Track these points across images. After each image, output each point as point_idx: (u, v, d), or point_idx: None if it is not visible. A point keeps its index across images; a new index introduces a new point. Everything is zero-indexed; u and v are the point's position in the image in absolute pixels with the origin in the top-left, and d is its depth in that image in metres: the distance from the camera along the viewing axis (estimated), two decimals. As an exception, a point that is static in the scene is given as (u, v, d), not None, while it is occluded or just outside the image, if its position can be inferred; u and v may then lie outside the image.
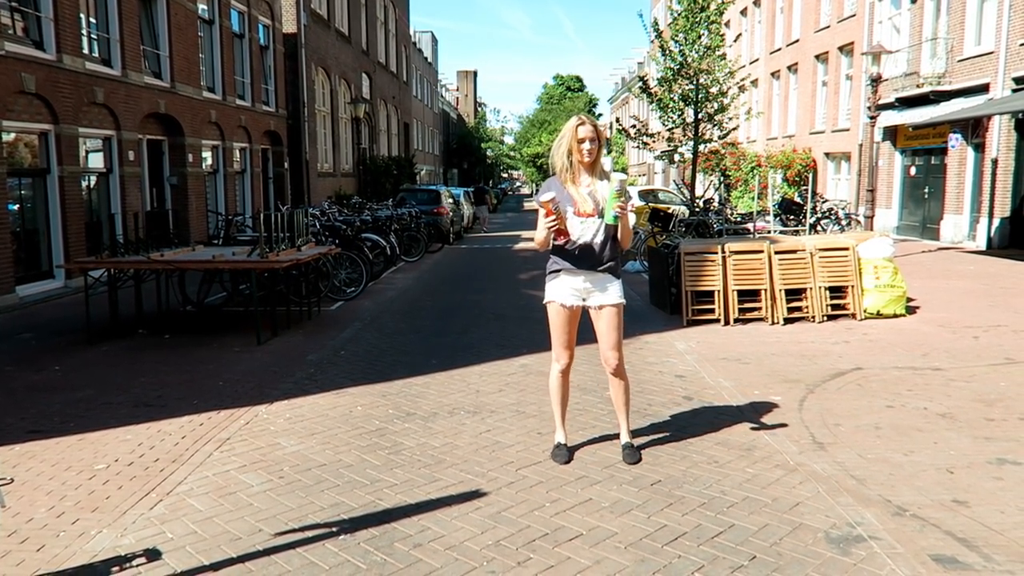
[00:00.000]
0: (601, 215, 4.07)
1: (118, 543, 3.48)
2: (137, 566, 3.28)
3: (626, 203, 3.98)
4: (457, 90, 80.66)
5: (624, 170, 54.88)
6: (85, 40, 13.02)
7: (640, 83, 21.50)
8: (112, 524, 3.69)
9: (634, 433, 4.89)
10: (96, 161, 13.56)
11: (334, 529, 3.60)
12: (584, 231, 4.12)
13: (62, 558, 3.36)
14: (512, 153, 69.16)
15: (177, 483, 4.19)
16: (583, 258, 4.15)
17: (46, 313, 10.32)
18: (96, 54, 13.44)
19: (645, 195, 21.59)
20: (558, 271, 4.23)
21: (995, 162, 17.17)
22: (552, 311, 4.28)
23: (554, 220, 3.96)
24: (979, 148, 18.03)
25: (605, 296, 4.22)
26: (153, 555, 3.36)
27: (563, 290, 4.22)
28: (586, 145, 4.08)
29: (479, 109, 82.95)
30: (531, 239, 25.06)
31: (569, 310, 4.23)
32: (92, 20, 13.40)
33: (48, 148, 12.03)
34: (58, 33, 11.98)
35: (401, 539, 3.49)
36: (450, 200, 23.16)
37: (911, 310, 9.13)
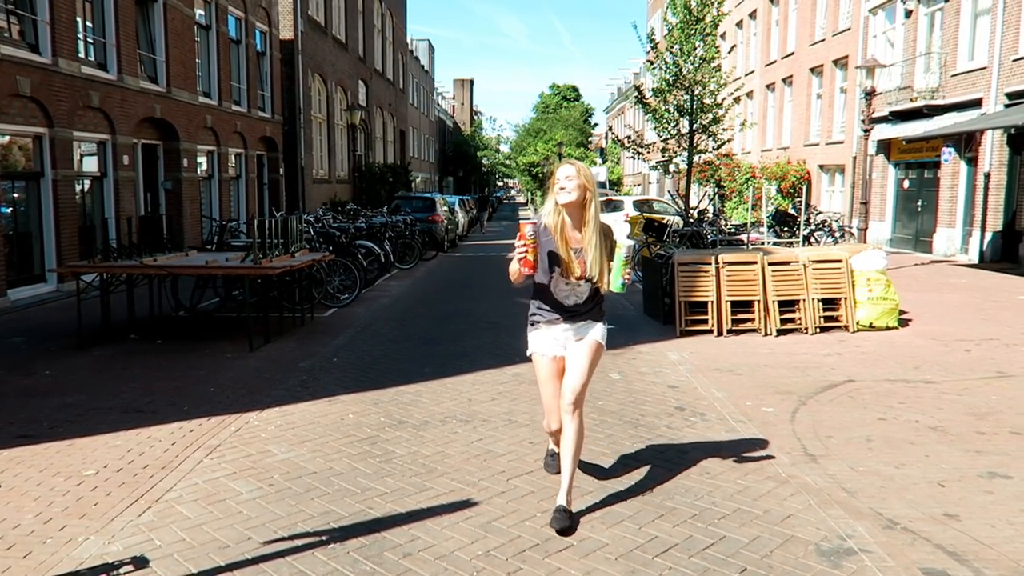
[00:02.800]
0: (590, 280, 3.70)
1: (105, 550, 3.46)
2: (124, 574, 3.25)
3: (630, 273, 3.78)
4: (453, 98, 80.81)
5: (614, 184, 54.86)
6: (81, 44, 13.00)
7: (636, 93, 21.59)
8: (100, 531, 3.66)
9: (627, 441, 4.89)
10: (90, 165, 13.52)
11: (324, 538, 3.57)
12: (570, 293, 3.77)
13: (48, 565, 3.33)
14: (508, 162, 69.19)
15: (166, 490, 4.16)
16: (565, 309, 3.81)
17: (37, 317, 10.27)
18: (92, 58, 13.43)
19: (640, 205, 21.65)
20: (538, 322, 3.87)
21: (988, 176, 17.26)
22: (537, 363, 3.89)
23: (524, 248, 3.53)
24: (972, 162, 18.13)
25: (583, 338, 3.85)
26: (141, 563, 3.34)
27: (545, 340, 3.84)
28: (561, 182, 3.65)
29: (475, 117, 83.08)
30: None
31: (554, 361, 3.83)
32: (88, 24, 13.39)
33: (42, 152, 11.99)
34: (54, 37, 11.96)
35: (391, 548, 3.47)
36: (445, 208, 23.17)
37: (904, 323, 9.15)
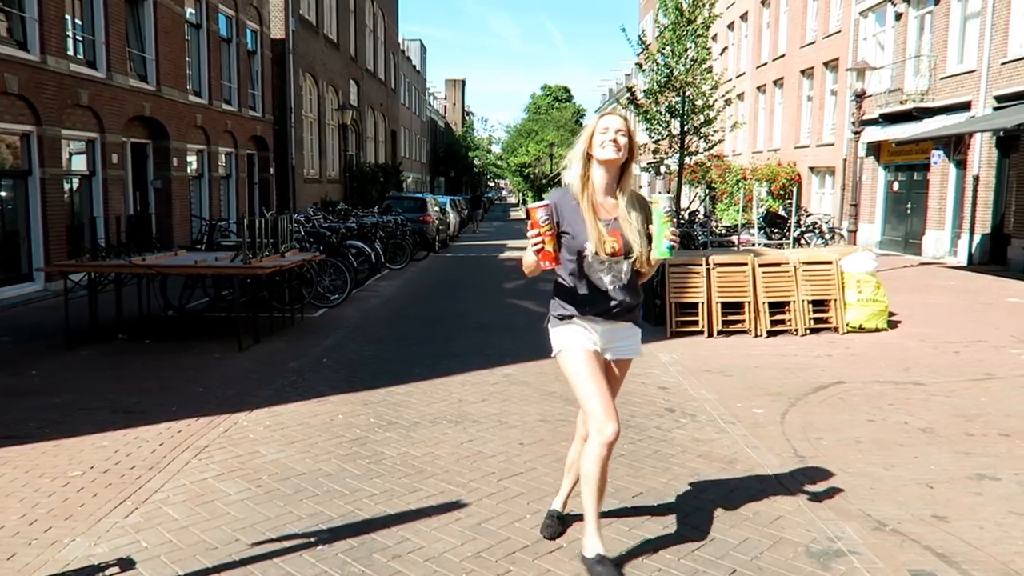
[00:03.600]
0: (628, 254, 3.06)
1: (91, 552, 3.42)
2: (110, 575, 3.22)
3: (676, 232, 3.07)
4: (445, 98, 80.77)
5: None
6: (70, 42, 12.92)
7: (627, 95, 21.62)
8: (86, 532, 3.63)
9: (618, 442, 4.88)
10: (79, 163, 13.44)
11: (312, 539, 3.55)
12: (606, 275, 3.09)
13: (33, 567, 3.29)
14: (499, 162, 69.24)
15: (153, 491, 4.13)
16: (601, 303, 3.11)
17: (24, 316, 10.19)
18: (81, 56, 13.34)
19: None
20: (568, 317, 3.15)
21: (976, 179, 17.37)
22: (572, 358, 3.10)
23: (539, 237, 2.93)
24: (961, 165, 18.24)
25: (625, 348, 3.24)
26: (127, 564, 3.31)
27: (576, 334, 3.13)
28: (609, 134, 3.01)
29: (467, 118, 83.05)
30: (518, 248, 25.24)
31: (596, 355, 3.13)
32: (78, 21, 13.31)
33: (30, 149, 11.90)
34: (43, 34, 11.88)
35: (380, 550, 3.45)
36: (436, 208, 23.13)
37: (893, 324, 9.19)
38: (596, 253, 3.02)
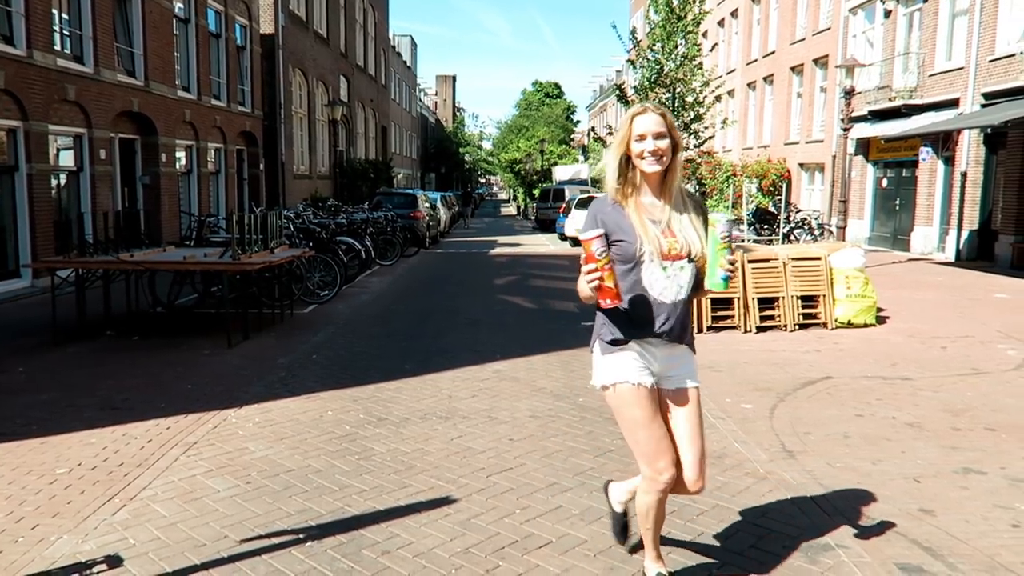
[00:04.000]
0: (691, 258, 2.68)
1: (79, 549, 3.41)
2: (98, 573, 3.21)
3: (734, 262, 2.69)
4: (436, 94, 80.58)
5: (596, 182, 54.70)
6: (57, 36, 12.82)
7: (618, 91, 21.63)
8: (73, 530, 3.61)
9: (607, 437, 4.89)
10: (66, 159, 13.35)
11: (301, 536, 3.55)
12: (668, 284, 2.68)
13: (20, 564, 3.28)
14: (490, 158, 69.16)
15: (141, 488, 4.11)
16: (661, 322, 2.71)
17: (11, 313, 10.12)
18: (68, 51, 13.24)
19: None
20: (621, 342, 2.75)
21: (964, 175, 17.47)
22: (625, 400, 2.74)
23: (595, 272, 2.52)
24: (949, 161, 18.33)
25: (684, 377, 2.84)
26: (114, 561, 3.29)
27: (631, 365, 2.74)
28: (648, 144, 2.64)
29: (458, 114, 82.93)
30: (509, 244, 25.26)
31: (653, 393, 2.76)
32: (64, 16, 13.20)
33: (17, 145, 11.81)
34: (29, 29, 11.78)
35: (369, 546, 3.45)
36: (427, 204, 23.10)
37: (881, 320, 9.24)
38: (663, 255, 2.65)
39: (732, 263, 2.63)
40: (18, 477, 4.29)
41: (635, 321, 2.70)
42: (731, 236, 2.60)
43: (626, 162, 2.71)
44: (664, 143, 2.64)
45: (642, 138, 2.66)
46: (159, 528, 3.62)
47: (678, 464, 2.77)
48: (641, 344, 2.75)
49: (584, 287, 2.62)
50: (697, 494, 2.90)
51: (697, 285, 2.76)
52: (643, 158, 2.66)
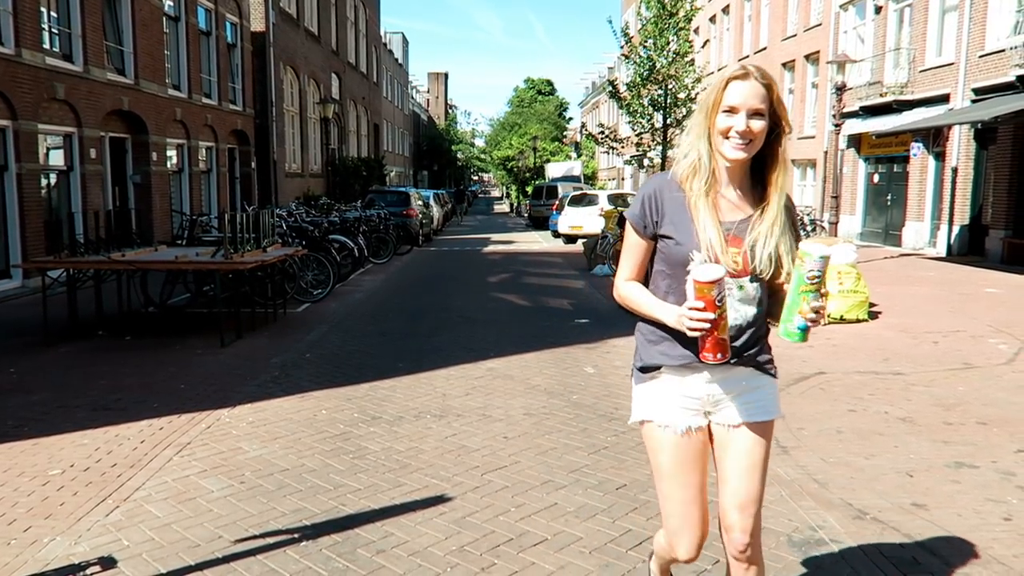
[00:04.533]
0: (756, 276, 2.14)
1: (72, 551, 3.39)
2: (91, 574, 3.20)
3: (822, 309, 2.01)
4: (428, 92, 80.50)
5: (588, 178, 54.49)
6: (46, 34, 12.74)
7: (610, 88, 21.64)
8: (66, 531, 3.59)
9: (602, 435, 4.90)
10: (56, 158, 13.27)
11: (296, 535, 3.54)
12: (729, 307, 2.09)
13: (12, 567, 3.26)
14: (482, 156, 69.10)
15: (135, 489, 4.09)
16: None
17: (2, 314, 10.06)
18: (57, 49, 13.16)
19: (614, 199, 21.72)
20: (655, 368, 2.25)
21: (955, 171, 17.54)
22: (651, 440, 2.28)
23: (706, 323, 1.99)
24: (940, 157, 18.41)
25: (749, 405, 2.24)
26: (108, 563, 3.28)
27: (668, 401, 2.23)
28: (738, 121, 2.05)
29: (450, 111, 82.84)
30: (502, 241, 25.28)
31: (688, 438, 2.23)
32: (53, 14, 13.12)
33: (6, 145, 11.73)
34: (17, 27, 11.70)
35: (364, 545, 3.44)
36: (419, 202, 23.07)
37: (873, 315, 9.27)
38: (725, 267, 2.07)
39: (818, 311, 1.99)
40: (10, 479, 4.26)
41: (676, 343, 2.16)
42: (822, 276, 1.98)
43: (704, 139, 2.12)
44: (759, 124, 2.06)
45: (732, 111, 2.06)
46: (153, 529, 3.61)
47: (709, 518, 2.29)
48: (681, 374, 2.21)
49: (659, 313, 2.13)
50: (741, 560, 2.23)
51: (771, 309, 2.19)
52: (727, 138, 2.07)
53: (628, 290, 2.27)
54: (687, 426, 2.23)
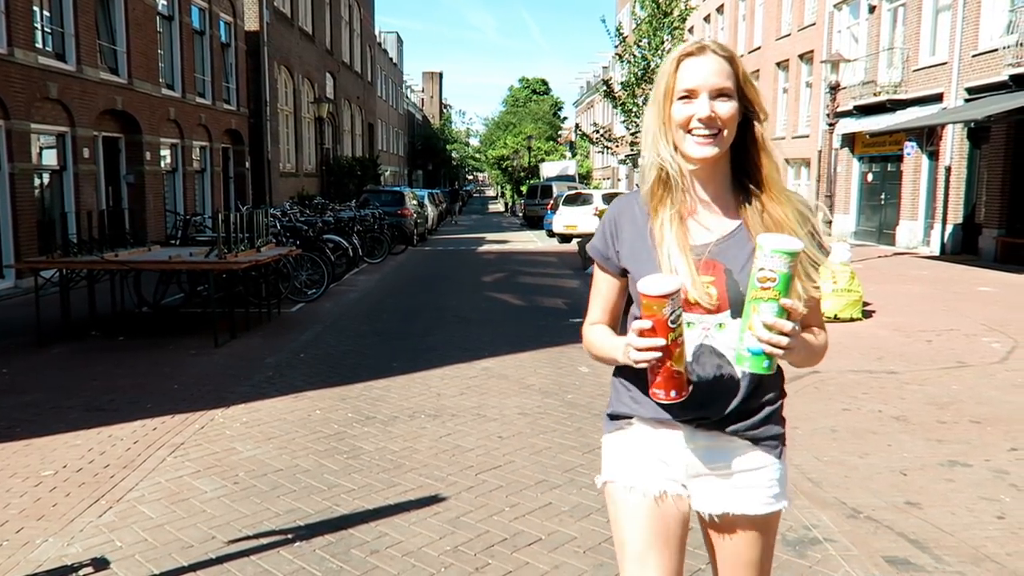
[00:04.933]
0: (738, 310, 1.58)
1: (64, 552, 3.38)
2: (84, 575, 3.19)
3: (783, 329, 1.47)
4: (422, 91, 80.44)
5: (583, 178, 54.44)
6: (38, 34, 12.69)
7: (605, 87, 21.64)
8: (59, 532, 3.58)
9: (596, 434, 4.89)
10: (49, 158, 13.22)
11: (290, 536, 3.53)
12: (699, 351, 1.66)
13: (5, 568, 3.24)
14: (477, 155, 69.09)
15: (128, 489, 4.08)
16: (697, 395, 1.64)
17: (-5, 314, 10.02)
18: (50, 48, 13.11)
19: (609, 199, 21.73)
20: (625, 418, 1.81)
21: (948, 170, 17.59)
22: (619, 507, 1.76)
23: (654, 351, 1.52)
24: (933, 156, 18.46)
25: (740, 492, 1.73)
26: (101, 564, 3.27)
27: (639, 456, 1.76)
28: (699, 107, 1.60)
29: (444, 111, 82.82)
30: (497, 241, 25.31)
31: (661, 506, 1.72)
32: (46, 13, 13.07)
33: (-2, 144, 11.69)
34: (9, 26, 11.65)
35: (358, 545, 3.43)
36: (414, 202, 23.04)
37: (867, 314, 9.29)
38: (686, 302, 1.59)
39: (774, 328, 1.45)
40: (2, 480, 4.24)
41: (647, 391, 1.62)
42: (784, 280, 1.44)
43: (660, 134, 1.66)
44: (727, 107, 1.59)
45: (690, 96, 1.60)
46: (146, 530, 3.59)
47: None
48: (655, 428, 1.73)
49: (611, 349, 1.70)
50: None
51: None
52: (689, 131, 1.61)
53: (589, 335, 1.82)
54: (661, 490, 1.71)
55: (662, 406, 1.66)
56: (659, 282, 1.51)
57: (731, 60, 1.62)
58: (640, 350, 1.52)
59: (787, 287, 1.46)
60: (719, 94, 1.60)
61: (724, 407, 1.67)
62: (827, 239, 1.70)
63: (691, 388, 1.59)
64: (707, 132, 1.60)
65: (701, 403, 1.65)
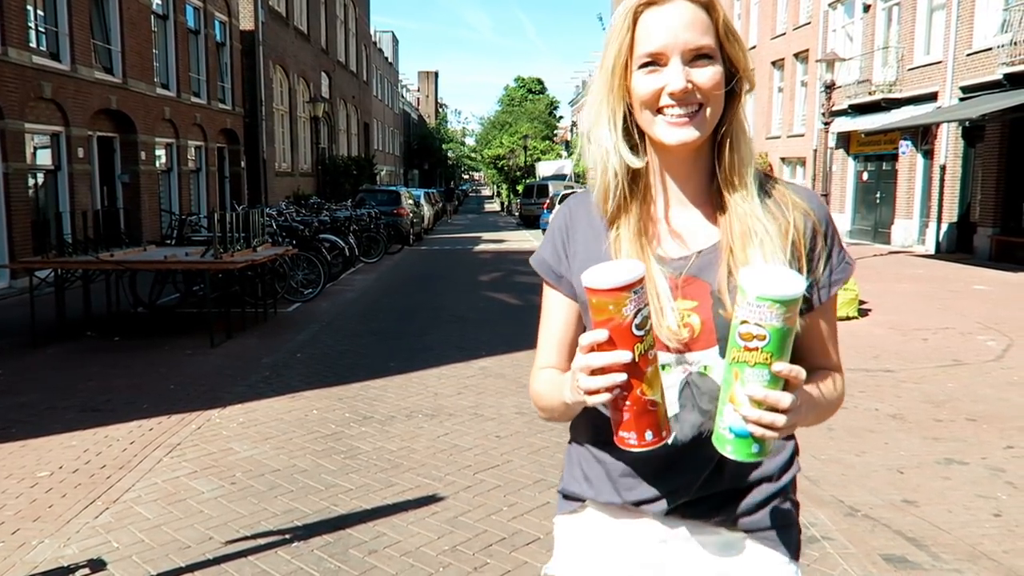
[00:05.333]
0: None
1: (61, 553, 3.36)
2: (80, 577, 3.17)
3: (773, 402, 0.99)
4: (418, 90, 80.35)
5: (579, 177, 54.47)
6: (32, 33, 12.64)
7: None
8: (55, 533, 3.56)
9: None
10: (44, 158, 13.17)
11: (287, 536, 3.52)
12: (679, 403, 1.17)
13: (1, 570, 3.23)
14: (473, 154, 69.05)
15: (124, 490, 4.06)
16: (670, 468, 1.20)
17: (-11, 314, 9.99)
18: (44, 48, 13.06)
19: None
20: (578, 500, 1.32)
21: (943, 169, 17.63)
22: None
23: (619, 368, 0.99)
24: (928, 155, 18.51)
25: None
26: (97, 565, 3.26)
27: (581, 549, 1.32)
28: (672, 76, 1.11)
29: (440, 110, 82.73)
30: (493, 240, 25.29)
31: None
32: (40, 12, 13.02)
33: (-8, 144, 11.65)
34: (3, 25, 11.61)
35: (356, 545, 3.43)
36: (410, 201, 23.03)
37: (863, 313, 9.31)
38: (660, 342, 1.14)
39: (764, 403, 1.00)
40: (-2, 481, 4.23)
41: (610, 459, 1.25)
42: (776, 336, 0.98)
43: (614, 115, 1.20)
44: (709, 73, 1.14)
45: (657, 61, 1.15)
46: (143, 531, 3.58)
47: None
48: (611, 512, 1.29)
49: (557, 388, 1.20)
50: None
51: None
52: (659, 112, 1.16)
53: (534, 385, 1.30)
54: None
55: (628, 481, 1.22)
56: (613, 271, 1.01)
57: (708, 6, 1.14)
58: (594, 373, 1.01)
59: (782, 346, 0.99)
60: (696, 55, 1.13)
61: (707, 484, 1.20)
62: (840, 253, 1.25)
63: (674, 433, 1.12)
64: (683, 112, 1.14)
65: (675, 477, 1.20)
